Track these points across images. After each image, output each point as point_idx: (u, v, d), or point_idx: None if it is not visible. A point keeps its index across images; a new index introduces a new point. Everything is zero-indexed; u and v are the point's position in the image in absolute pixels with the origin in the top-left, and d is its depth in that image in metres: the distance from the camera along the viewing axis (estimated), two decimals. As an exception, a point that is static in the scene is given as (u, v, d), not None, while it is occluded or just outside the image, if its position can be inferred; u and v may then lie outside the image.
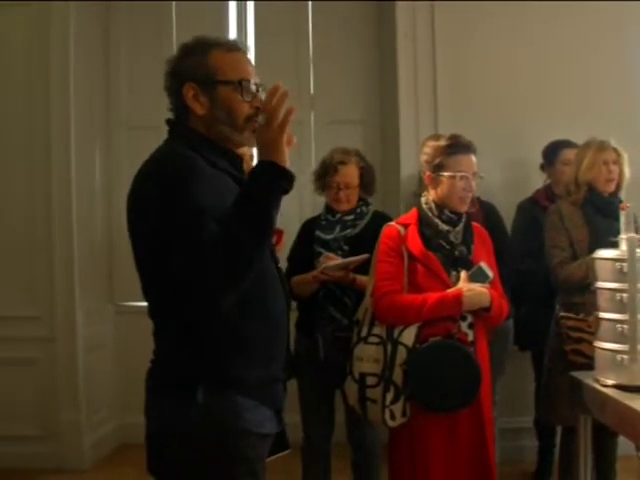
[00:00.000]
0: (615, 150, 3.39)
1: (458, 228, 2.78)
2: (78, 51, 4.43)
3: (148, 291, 1.86)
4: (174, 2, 4.87)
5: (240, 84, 1.87)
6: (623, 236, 2.57)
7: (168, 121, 1.96)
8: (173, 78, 1.91)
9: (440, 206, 2.78)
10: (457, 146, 2.78)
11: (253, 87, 1.90)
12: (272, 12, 4.90)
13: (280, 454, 2.02)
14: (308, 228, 3.39)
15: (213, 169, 1.81)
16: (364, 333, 2.74)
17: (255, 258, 1.74)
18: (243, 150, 3.07)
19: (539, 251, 3.54)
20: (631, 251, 2.51)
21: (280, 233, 3.19)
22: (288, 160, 1.75)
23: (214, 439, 1.78)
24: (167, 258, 1.70)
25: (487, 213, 3.63)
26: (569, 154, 3.88)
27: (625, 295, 2.52)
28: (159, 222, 1.72)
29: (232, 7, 5.00)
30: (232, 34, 4.95)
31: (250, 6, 5.00)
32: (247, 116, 1.88)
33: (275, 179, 1.73)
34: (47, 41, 4.38)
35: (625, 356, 2.51)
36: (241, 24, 4.98)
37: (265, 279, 1.86)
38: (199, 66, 1.87)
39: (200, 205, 1.70)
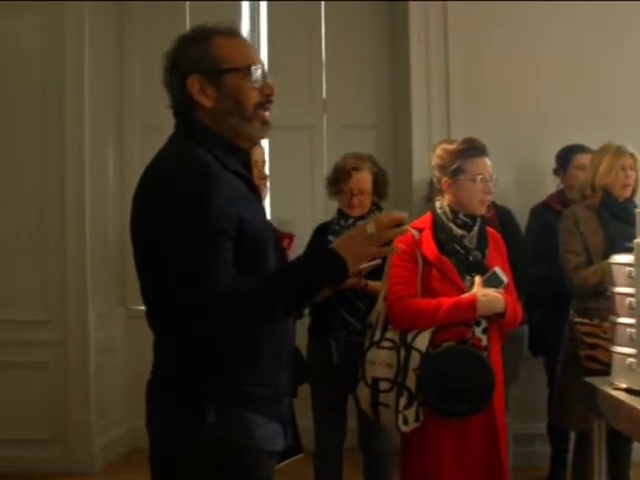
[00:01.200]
0: (632, 155, 3.38)
1: (472, 233, 2.76)
2: (92, 51, 4.45)
3: (148, 298, 1.76)
4: (187, 2, 4.88)
5: (249, 69, 1.76)
6: (638, 241, 2.55)
7: (176, 116, 1.83)
8: (174, 72, 1.79)
9: (455, 210, 2.77)
10: (474, 149, 2.77)
11: (261, 73, 1.79)
12: (285, 12, 4.91)
13: (294, 458, 2.00)
14: (321, 233, 3.39)
15: (225, 171, 1.71)
16: (377, 337, 2.73)
17: (268, 323, 1.69)
18: (256, 157, 3.08)
19: (552, 256, 3.52)
20: (638, 256, 2.49)
21: (291, 237, 3.19)
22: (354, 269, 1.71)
23: (224, 459, 1.70)
24: (171, 281, 1.62)
25: (503, 217, 3.62)
26: (583, 159, 3.87)
27: (634, 300, 2.50)
28: (170, 237, 1.63)
29: (245, 7, 5.02)
30: (245, 35, 4.95)
31: (263, 6, 5.01)
32: (257, 103, 1.77)
33: (337, 279, 1.71)
34: (61, 41, 4.42)
35: (634, 360, 2.50)
36: (254, 24, 4.99)
37: None
38: (202, 56, 1.76)
39: (219, 225, 1.62)
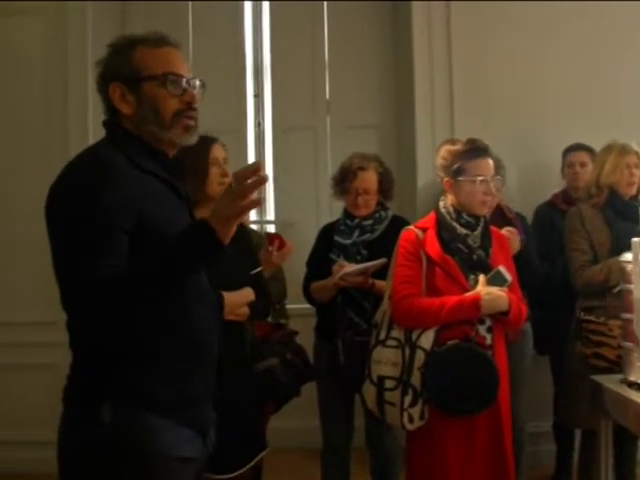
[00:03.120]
0: (637, 154, 3.39)
1: (476, 232, 2.77)
2: (95, 50, 4.45)
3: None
4: (190, 2, 4.89)
5: (165, 77, 1.80)
6: (636, 240, 2.55)
7: (104, 123, 1.89)
8: (101, 78, 1.85)
9: (458, 210, 2.78)
10: (475, 150, 2.78)
11: (184, 82, 1.82)
12: (288, 12, 4.91)
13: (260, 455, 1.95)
14: (327, 233, 3.39)
15: (137, 170, 1.74)
16: (382, 336, 2.74)
17: (148, 304, 1.66)
18: (215, 154, 2.83)
19: (557, 255, 3.52)
20: (636, 254, 2.49)
21: (280, 239, 3.17)
22: (228, 238, 1.66)
23: (120, 461, 1.66)
24: (57, 273, 1.68)
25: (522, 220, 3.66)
26: (573, 157, 3.95)
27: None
28: (58, 231, 1.69)
29: (248, 7, 5.02)
30: (248, 35, 4.97)
31: (266, 6, 5.01)
32: (176, 111, 1.80)
33: (208, 249, 1.65)
34: (64, 40, 4.42)
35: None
36: (257, 24, 5.00)
37: (189, 292, 1.77)
38: (124, 64, 1.81)
39: (106, 220, 1.64)
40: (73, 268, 1.63)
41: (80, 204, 1.65)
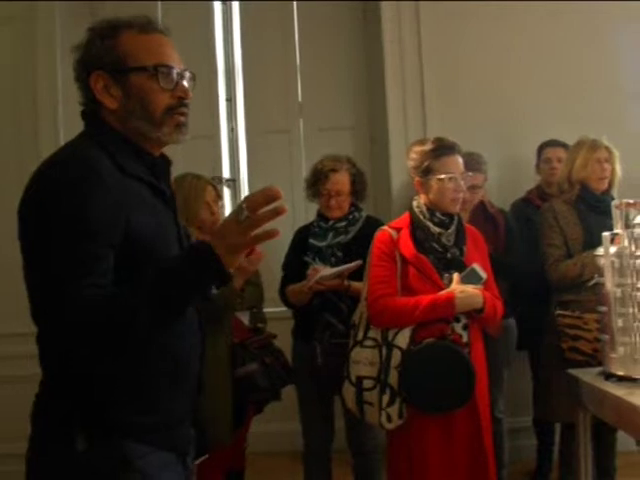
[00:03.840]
0: (607, 148, 3.42)
1: (450, 230, 2.78)
2: (64, 54, 4.41)
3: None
4: (159, 2, 4.85)
5: (156, 70, 1.61)
6: (606, 234, 2.56)
7: (83, 114, 1.69)
8: (81, 66, 1.64)
9: (431, 209, 2.78)
10: (442, 148, 2.78)
11: (174, 74, 1.64)
12: (258, 12, 4.89)
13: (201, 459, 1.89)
14: (301, 236, 3.39)
15: (120, 174, 1.56)
16: (360, 337, 2.75)
17: (144, 334, 1.50)
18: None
19: (533, 250, 3.54)
20: (606, 247, 2.53)
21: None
22: (234, 268, 1.52)
23: None
24: (33, 288, 1.50)
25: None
26: (549, 152, 3.98)
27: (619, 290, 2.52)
28: (36, 240, 1.48)
29: (217, 7, 5.00)
30: (218, 35, 4.95)
31: (235, 6, 4.99)
32: (167, 107, 1.62)
33: (211, 279, 1.52)
34: (34, 43, 4.40)
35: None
36: (227, 24, 4.98)
37: None
38: (108, 51, 1.61)
39: (95, 225, 1.47)
40: (54, 285, 1.45)
41: (64, 215, 1.46)
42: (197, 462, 1.85)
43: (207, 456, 1.92)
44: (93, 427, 1.54)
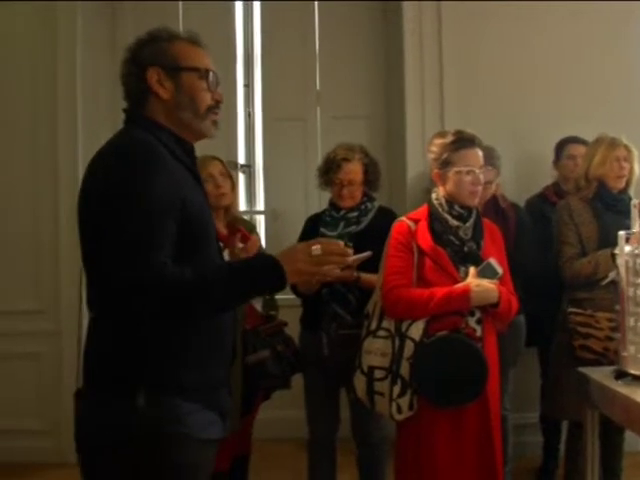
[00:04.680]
0: (626, 147, 3.40)
1: (468, 224, 2.77)
2: (84, 51, 4.45)
3: (90, 283, 1.77)
4: (181, 2, 4.86)
5: (207, 72, 1.89)
6: (621, 233, 2.54)
7: (125, 110, 1.93)
8: (133, 64, 1.88)
9: (450, 202, 2.78)
10: (462, 141, 2.77)
11: (216, 80, 1.92)
12: (279, 12, 4.90)
13: None
14: (312, 224, 3.36)
15: (172, 158, 1.79)
16: (373, 327, 2.75)
17: (199, 317, 1.74)
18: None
19: (547, 247, 3.53)
20: (621, 247, 2.51)
21: (239, 232, 3.11)
22: (291, 283, 1.77)
23: (153, 445, 1.71)
24: (110, 257, 1.63)
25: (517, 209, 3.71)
26: (573, 149, 3.92)
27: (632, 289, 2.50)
28: (114, 214, 1.65)
29: (239, 7, 5.00)
30: (239, 34, 4.95)
31: (257, 6, 4.99)
32: (209, 105, 1.89)
33: (274, 288, 1.77)
34: (54, 41, 4.41)
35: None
36: (247, 24, 4.98)
37: None
38: (164, 51, 1.87)
39: (160, 205, 1.67)
40: (127, 258, 1.61)
41: (135, 193, 1.65)
42: None
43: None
44: (151, 385, 1.72)
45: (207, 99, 1.89)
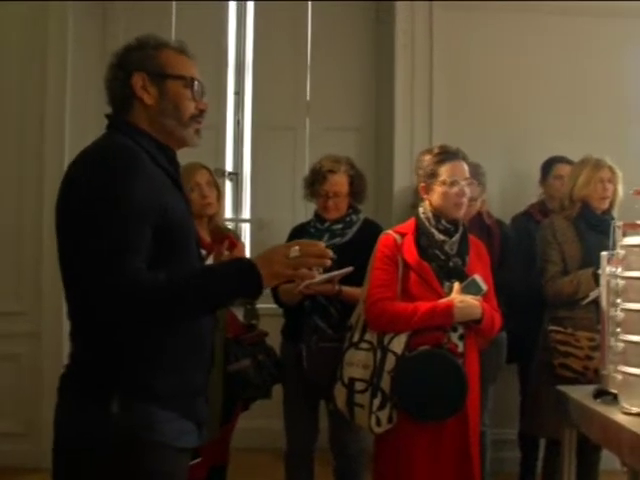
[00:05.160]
0: (610, 168, 3.44)
1: (454, 239, 2.78)
2: (76, 51, 4.43)
3: (65, 286, 1.75)
4: (174, 2, 4.85)
5: (192, 81, 1.89)
6: (604, 254, 2.57)
7: (108, 116, 1.91)
8: (119, 69, 1.88)
9: (437, 216, 2.79)
10: (447, 153, 2.80)
11: (201, 90, 1.92)
12: (272, 13, 4.90)
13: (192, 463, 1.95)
14: (296, 235, 3.35)
15: (153, 164, 1.78)
16: (356, 338, 2.75)
17: (173, 322, 1.70)
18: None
19: (531, 264, 3.55)
20: (604, 267, 2.55)
21: (228, 239, 3.10)
22: (268, 287, 1.75)
23: (126, 452, 1.69)
24: (84, 261, 1.62)
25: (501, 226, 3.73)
26: (561, 169, 3.95)
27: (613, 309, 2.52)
28: (90, 218, 1.63)
29: (232, 7, 5.00)
30: (231, 38, 4.95)
31: (250, 6, 4.99)
32: (192, 114, 1.89)
33: (249, 290, 1.73)
34: (45, 40, 4.39)
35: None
36: (240, 24, 4.98)
37: None
38: (150, 58, 1.87)
39: (138, 210, 1.65)
40: (108, 259, 1.60)
41: (113, 197, 1.64)
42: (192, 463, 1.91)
43: (200, 459, 1.98)
44: (125, 392, 1.70)
45: (191, 108, 1.88)
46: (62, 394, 1.78)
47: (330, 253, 1.75)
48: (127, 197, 1.64)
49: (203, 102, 1.92)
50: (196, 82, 1.89)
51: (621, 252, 2.43)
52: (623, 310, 2.40)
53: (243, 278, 1.70)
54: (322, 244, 1.76)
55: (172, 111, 1.86)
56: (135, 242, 1.64)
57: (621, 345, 2.40)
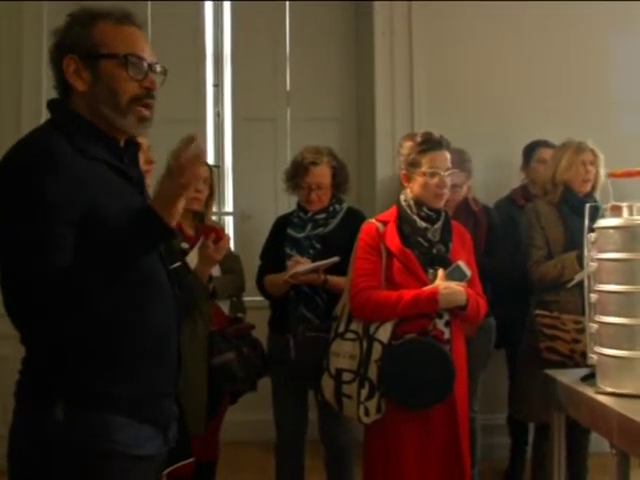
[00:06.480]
0: (592, 151, 3.44)
1: (436, 226, 2.77)
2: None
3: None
4: (149, 2, 4.79)
5: (126, 59, 1.67)
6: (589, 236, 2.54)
7: (48, 104, 1.75)
8: (56, 51, 1.71)
9: (419, 203, 2.78)
10: (429, 142, 2.77)
11: (145, 65, 1.70)
12: (249, 12, 4.86)
13: (181, 463, 1.86)
14: (280, 225, 3.34)
15: (84, 158, 1.62)
16: (341, 329, 2.74)
17: (97, 296, 1.59)
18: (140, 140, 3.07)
19: (515, 249, 3.55)
20: (588, 251, 2.51)
21: (214, 232, 3.08)
22: (176, 219, 1.64)
23: (76, 462, 1.58)
24: (7, 270, 1.57)
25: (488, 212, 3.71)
26: (544, 153, 3.94)
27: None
28: (8, 228, 1.56)
29: (209, 7, 4.95)
30: (208, 33, 4.90)
31: (227, 6, 4.95)
32: (133, 96, 1.68)
33: (153, 235, 1.63)
34: (20, 41, 4.35)
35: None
36: (217, 24, 4.94)
37: (147, 288, 1.70)
38: (82, 38, 1.68)
39: (54, 206, 1.55)
40: (22, 266, 1.53)
41: (22, 195, 1.55)
42: (181, 463, 1.86)
43: (193, 459, 1.91)
44: (71, 398, 1.60)
45: (131, 89, 1.68)
46: (16, 400, 1.68)
47: (195, 133, 1.63)
48: (40, 195, 1.54)
49: (149, 79, 1.71)
50: (131, 57, 1.68)
51: (593, 235, 2.42)
52: (596, 292, 2.40)
53: (142, 223, 1.60)
54: (188, 135, 1.62)
55: (107, 97, 1.67)
56: (50, 241, 1.54)
57: (594, 326, 2.40)
